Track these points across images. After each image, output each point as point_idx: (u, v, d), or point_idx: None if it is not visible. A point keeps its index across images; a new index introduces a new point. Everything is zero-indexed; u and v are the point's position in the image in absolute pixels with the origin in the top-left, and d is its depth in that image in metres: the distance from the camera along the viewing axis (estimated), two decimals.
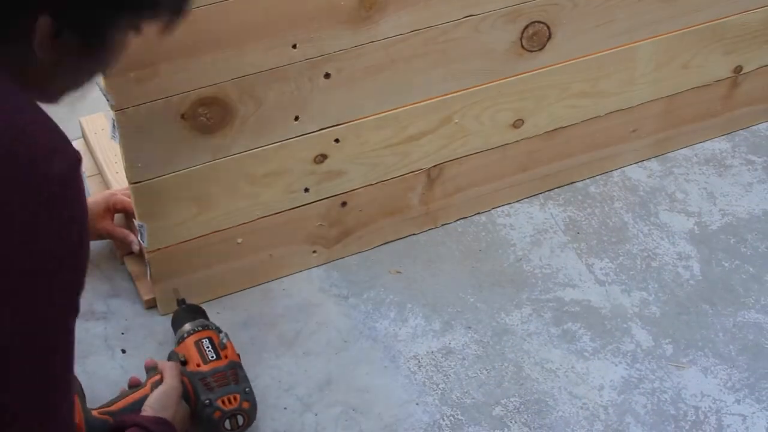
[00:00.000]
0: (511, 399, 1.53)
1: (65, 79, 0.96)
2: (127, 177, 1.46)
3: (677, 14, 1.76)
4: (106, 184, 1.79)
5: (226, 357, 1.43)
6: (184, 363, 1.42)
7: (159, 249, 1.56)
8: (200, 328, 1.47)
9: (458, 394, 1.54)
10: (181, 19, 0.97)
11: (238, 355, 1.47)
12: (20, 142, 0.85)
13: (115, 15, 0.91)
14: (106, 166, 1.79)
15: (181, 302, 1.56)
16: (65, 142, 0.89)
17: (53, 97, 0.98)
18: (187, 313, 1.53)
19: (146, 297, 1.65)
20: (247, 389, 1.41)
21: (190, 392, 1.38)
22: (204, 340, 1.45)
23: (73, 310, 0.93)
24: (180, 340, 1.47)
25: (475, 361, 1.59)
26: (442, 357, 1.60)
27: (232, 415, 1.39)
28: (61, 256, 0.89)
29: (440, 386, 1.55)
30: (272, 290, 1.70)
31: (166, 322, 1.59)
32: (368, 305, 1.68)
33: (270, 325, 1.64)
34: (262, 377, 1.54)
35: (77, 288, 0.92)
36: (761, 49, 1.93)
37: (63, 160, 0.87)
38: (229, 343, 1.46)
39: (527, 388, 1.55)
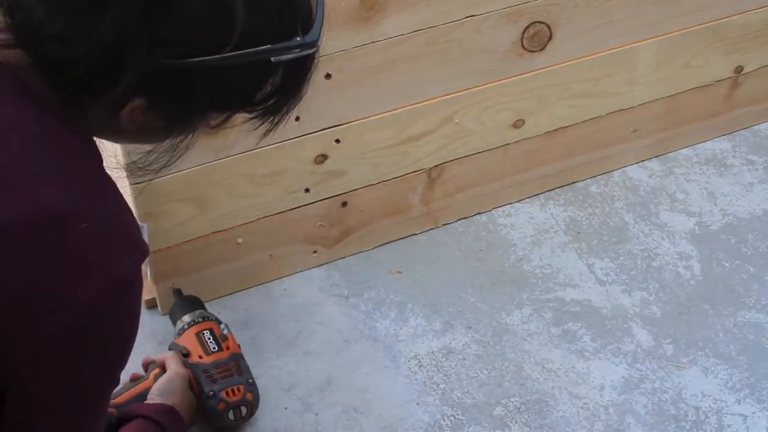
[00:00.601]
0: (512, 399, 1.53)
1: (135, 141, 0.95)
2: (127, 177, 1.46)
3: (678, 14, 1.76)
4: None
5: (227, 348, 1.44)
6: (185, 355, 1.42)
7: (159, 249, 1.56)
8: (200, 320, 1.48)
9: (459, 394, 1.54)
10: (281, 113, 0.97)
11: (239, 346, 1.47)
12: (118, 229, 0.86)
13: (207, 109, 0.89)
14: (106, 167, 1.79)
15: (177, 292, 1.56)
16: (140, 235, 0.90)
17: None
18: (186, 304, 1.54)
19: (146, 297, 1.65)
20: (250, 380, 1.42)
21: (193, 384, 1.39)
22: (205, 332, 1.45)
23: (114, 382, 0.95)
24: (180, 332, 1.47)
25: (476, 361, 1.59)
26: (442, 357, 1.60)
27: (236, 407, 1.40)
28: (119, 343, 0.90)
29: (441, 386, 1.55)
30: (273, 290, 1.70)
31: (167, 321, 1.59)
32: (369, 305, 1.68)
33: (270, 325, 1.64)
34: (262, 377, 1.54)
35: (121, 364, 0.94)
36: (762, 49, 1.93)
37: (139, 253, 0.87)
38: (229, 335, 1.47)
39: (528, 388, 1.55)
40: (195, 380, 1.39)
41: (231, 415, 1.40)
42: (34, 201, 0.81)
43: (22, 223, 0.80)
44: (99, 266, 0.83)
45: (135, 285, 0.88)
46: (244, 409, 1.41)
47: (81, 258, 0.83)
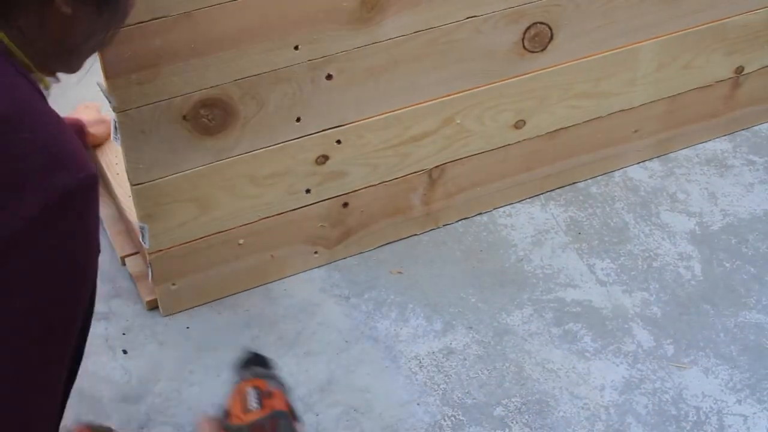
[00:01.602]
0: (513, 399, 1.54)
1: (80, 36, 0.98)
2: (128, 178, 1.46)
3: (679, 15, 1.76)
4: (106, 186, 1.79)
5: (270, 407, 1.27)
6: (226, 416, 1.26)
7: (161, 250, 1.56)
8: (251, 376, 1.31)
9: (459, 395, 1.54)
10: None
11: (289, 405, 1.29)
12: (52, 146, 0.88)
13: None
14: (106, 168, 1.79)
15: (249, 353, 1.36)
16: (88, 162, 0.91)
17: (71, 62, 1.01)
18: (254, 360, 1.36)
19: (148, 298, 1.65)
20: None
21: None
22: (250, 389, 1.27)
23: (69, 326, 0.93)
24: (232, 388, 1.29)
25: (476, 361, 1.59)
26: (443, 357, 1.60)
27: None
28: (70, 267, 0.90)
29: (441, 386, 1.55)
30: (273, 291, 1.70)
31: (167, 322, 1.59)
32: (369, 305, 1.68)
33: (271, 325, 1.64)
34: None
35: (76, 300, 0.93)
36: (762, 50, 1.93)
37: (84, 175, 0.88)
38: (277, 392, 1.29)
39: (528, 389, 1.55)
40: None
41: None
42: None
43: None
44: (40, 177, 0.85)
45: (80, 206, 0.88)
46: None
47: (21, 164, 0.85)
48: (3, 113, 0.86)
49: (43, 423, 0.93)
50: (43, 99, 0.93)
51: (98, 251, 0.93)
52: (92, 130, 1.79)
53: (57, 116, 0.91)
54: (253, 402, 1.25)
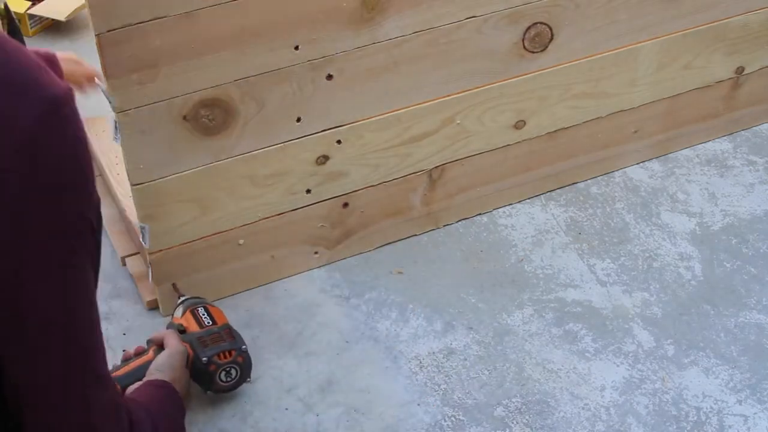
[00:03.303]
0: (513, 399, 1.53)
1: None
2: (129, 179, 1.46)
3: (679, 15, 1.76)
4: (107, 186, 1.79)
5: (221, 320, 1.50)
6: (182, 332, 1.47)
7: (161, 250, 1.56)
8: (195, 302, 1.54)
9: (460, 395, 1.54)
10: None
11: (227, 319, 1.53)
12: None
13: None
14: (107, 168, 1.79)
15: (174, 286, 1.62)
16: (60, 95, 0.86)
17: None
18: (182, 293, 1.60)
19: (148, 298, 1.65)
20: (243, 347, 1.47)
21: (189, 354, 1.43)
22: (199, 308, 1.51)
23: (85, 262, 0.92)
24: (177, 314, 1.53)
25: (477, 361, 1.59)
26: (443, 357, 1.60)
27: (227, 368, 1.45)
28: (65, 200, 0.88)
29: (442, 387, 1.55)
30: (274, 291, 1.70)
31: (168, 322, 1.59)
32: (369, 306, 1.68)
33: (272, 325, 1.64)
34: (263, 378, 1.54)
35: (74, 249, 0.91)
36: (763, 50, 1.93)
37: (53, 107, 0.85)
38: (217, 310, 1.53)
39: (529, 389, 1.55)
40: (191, 349, 1.44)
41: (222, 377, 1.45)
42: None
43: None
44: (31, 90, 0.82)
45: (69, 108, 0.85)
46: (234, 371, 1.46)
47: None
48: None
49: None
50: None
51: (93, 172, 0.90)
52: (64, 65, 1.69)
53: (13, 43, 0.87)
54: (206, 318, 1.50)
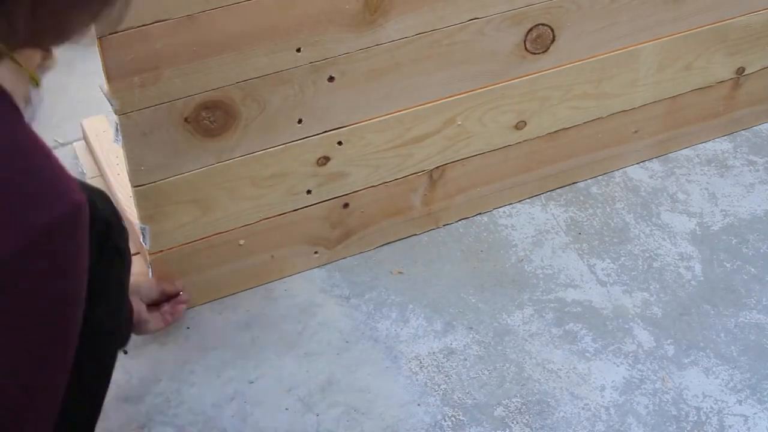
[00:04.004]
0: (513, 399, 1.54)
1: (64, 20, 0.84)
2: (130, 180, 1.46)
3: (680, 16, 1.76)
4: (107, 186, 1.79)
5: None
6: None
7: (161, 251, 1.56)
8: None
9: (460, 395, 1.54)
10: None
11: None
12: (21, 173, 0.79)
13: None
14: (107, 168, 1.79)
15: None
16: (71, 187, 0.83)
17: (66, 25, 0.86)
18: None
19: None
20: None
21: None
22: None
23: (62, 360, 0.88)
24: None
25: (477, 361, 1.60)
26: (443, 357, 1.60)
27: None
28: (51, 305, 0.85)
29: (442, 387, 1.55)
30: (274, 291, 1.70)
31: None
32: (370, 306, 1.68)
33: (272, 325, 1.64)
34: (263, 378, 1.55)
35: (60, 336, 0.87)
36: (763, 51, 1.93)
37: (62, 204, 0.81)
38: None
39: (529, 389, 1.56)
40: None
41: None
42: None
43: None
44: (14, 217, 0.77)
45: (61, 242, 0.82)
46: None
47: None
48: None
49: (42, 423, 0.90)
50: (20, 120, 0.82)
51: (86, 276, 0.87)
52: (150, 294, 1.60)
53: (34, 142, 0.82)
54: None
